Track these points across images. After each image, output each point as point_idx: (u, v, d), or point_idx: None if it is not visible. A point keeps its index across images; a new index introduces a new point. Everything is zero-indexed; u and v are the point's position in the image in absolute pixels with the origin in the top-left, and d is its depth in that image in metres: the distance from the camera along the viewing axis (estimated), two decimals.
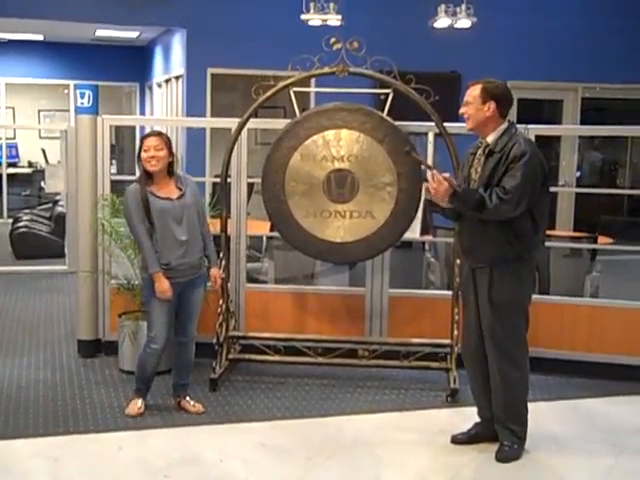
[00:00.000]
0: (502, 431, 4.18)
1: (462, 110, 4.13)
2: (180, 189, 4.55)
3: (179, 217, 4.50)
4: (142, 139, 4.53)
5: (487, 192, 3.91)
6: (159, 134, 4.57)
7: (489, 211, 3.90)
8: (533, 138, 5.39)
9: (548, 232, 7.29)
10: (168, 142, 4.53)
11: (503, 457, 4.13)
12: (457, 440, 4.33)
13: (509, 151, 3.95)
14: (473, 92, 4.08)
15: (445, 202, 3.96)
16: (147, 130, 12.48)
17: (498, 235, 3.98)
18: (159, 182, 4.51)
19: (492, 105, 4.03)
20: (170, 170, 4.55)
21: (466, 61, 9.76)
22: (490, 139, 4.07)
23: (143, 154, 4.46)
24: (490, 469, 4.07)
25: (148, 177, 4.50)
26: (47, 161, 13.56)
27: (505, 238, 3.97)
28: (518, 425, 4.17)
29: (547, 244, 6.45)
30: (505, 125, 4.07)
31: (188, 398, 4.75)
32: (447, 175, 3.94)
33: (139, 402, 4.68)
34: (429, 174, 4.00)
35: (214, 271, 4.75)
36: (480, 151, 4.11)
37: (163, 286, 4.44)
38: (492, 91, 4.05)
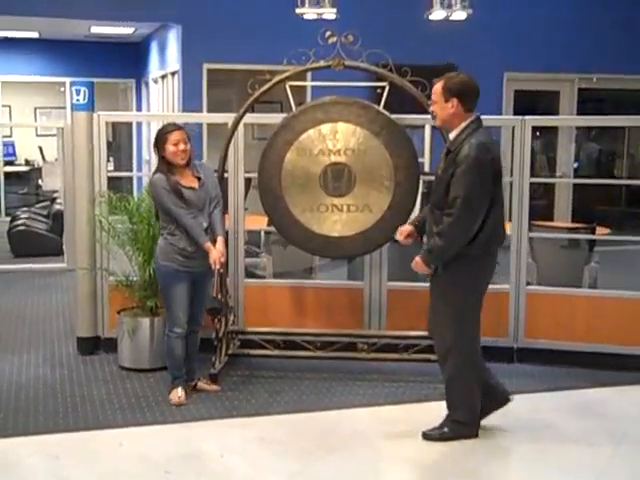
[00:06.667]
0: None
1: (431, 108, 4.19)
2: (199, 178, 4.67)
3: (201, 205, 4.65)
4: (165, 133, 4.59)
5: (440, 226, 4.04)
6: (180, 128, 4.67)
7: (448, 234, 4.00)
8: (530, 129, 5.40)
9: (546, 223, 7.36)
10: (188, 134, 4.67)
11: (426, 435, 4.25)
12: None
13: (457, 153, 4.00)
14: (436, 90, 4.12)
15: (430, 267, 4.13)
16: (144, 126, 12.53)
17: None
18: (179, 173, 4.63)
19: (455, 102, 4.05)
20: (188, 161, 4.66)
21: (462, 53, 9.73)
22: (451, 136, 4.11)
23: (172, 147, 4.56)
24: (489, 459, 4.08)
25: (170, 169, 4.60)
26: (44, 159, 13.56)
27: None
28: (452, 411, 4.26)
29: (546, 235, 6.49)
30: (465, 123, 4.06)
31: (203, 379, 4.88)
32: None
33: (179, 391, 4.74)
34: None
35: (217, 248, 4.65)
36: (445, 149, 4.16)
37: (215, 254, 4.58)
38: (453, 87, 4.06)
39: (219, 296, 4.99)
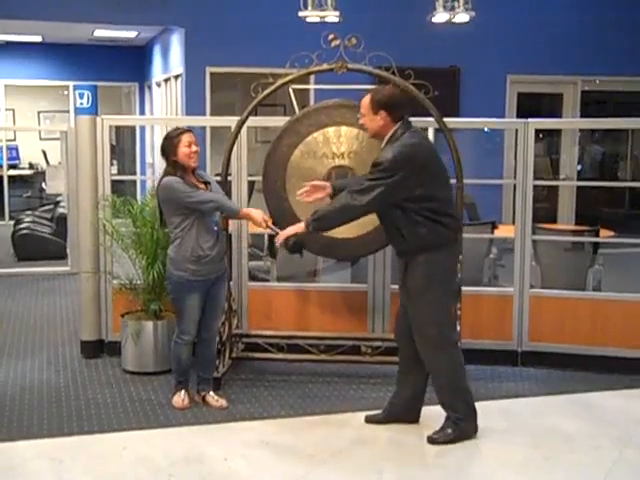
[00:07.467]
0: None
1: (360, 121, 4.30)
2: (204, 182, 4.64)
3: None
4: (177, 135, 4.56)
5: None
6: (190, 130, 4.65)
7: (340, 204, 4.12)
8: (533, 132, 5.39)
9: (549, 226, 7.34)
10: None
11: (431, 439, 4.27)
12: (371, 420, 4.50)
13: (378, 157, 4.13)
14: (364, 104, 4.22)
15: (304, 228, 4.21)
16: (148, 130, 12.55)
17: (393, 232, 4.22)
18: (187, 177, 4.58)
19: (383, 114, 4.15)
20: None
21: (465, 56, 9.77)
22: (382, 145, 4.21)
23: (185, 149, 4.52)
24: (493, 463, 4.07)
25: (181, 174, 4.55)
26: (48, 162, 13.58)
27: (397, 234, 4.19)
28: (450, 410, 4.29)
29: (549, 238, 6.48)
30: (392, 131, 4.16)
31: (212, 393, 4.81)
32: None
33: (182, 394, 4.74)
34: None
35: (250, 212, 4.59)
36: None
37: (257, 215, 4.53)
38: (381, 100, 4.16)
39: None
